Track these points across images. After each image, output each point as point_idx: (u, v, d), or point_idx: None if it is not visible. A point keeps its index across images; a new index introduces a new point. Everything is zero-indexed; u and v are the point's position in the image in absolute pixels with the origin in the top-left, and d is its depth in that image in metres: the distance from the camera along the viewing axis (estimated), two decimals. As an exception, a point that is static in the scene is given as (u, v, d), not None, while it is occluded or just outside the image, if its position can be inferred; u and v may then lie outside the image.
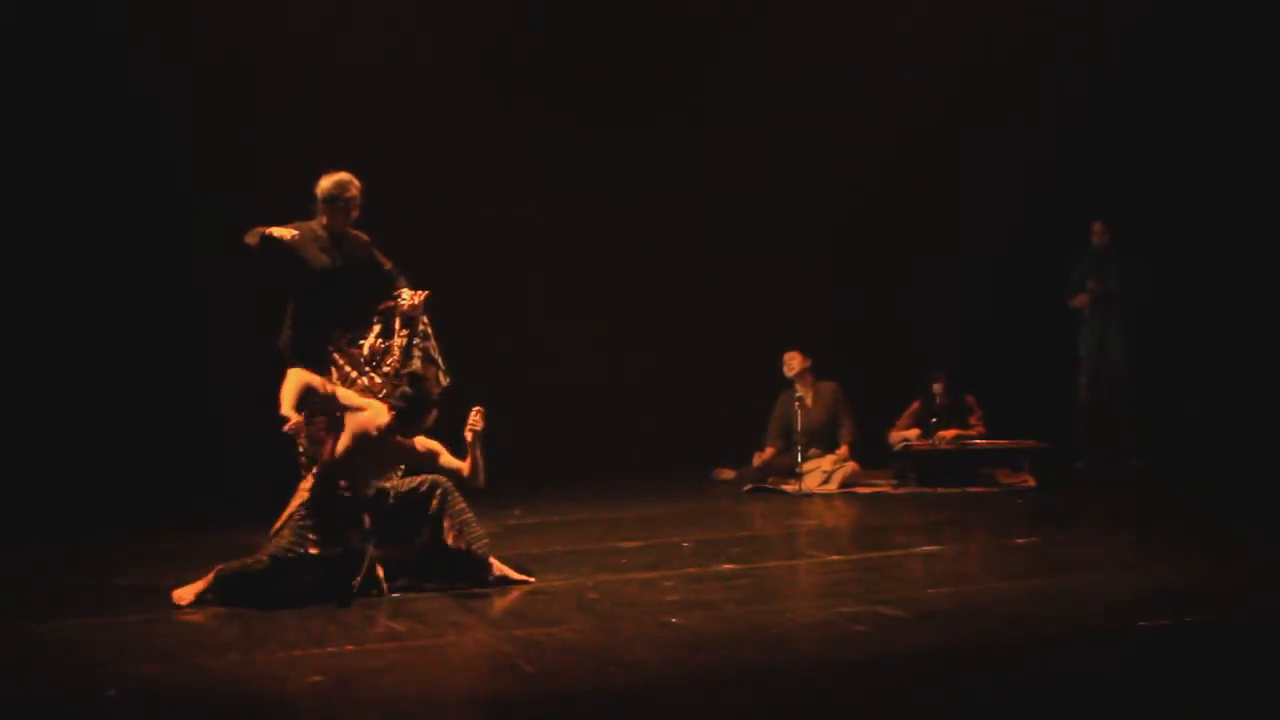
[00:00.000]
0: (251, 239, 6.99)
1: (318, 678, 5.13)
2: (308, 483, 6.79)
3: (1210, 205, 11.99)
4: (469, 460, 6.88)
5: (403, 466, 7.05)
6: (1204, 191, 12.02)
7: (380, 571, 6.69)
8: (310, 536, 6.59)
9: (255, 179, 10.03)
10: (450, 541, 6.80)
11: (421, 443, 6.91)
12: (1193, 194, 12.04)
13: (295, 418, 6.58)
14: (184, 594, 6.54)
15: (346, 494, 6.71)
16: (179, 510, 9.79)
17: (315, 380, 6.75)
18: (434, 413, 6.93)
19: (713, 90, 12.32)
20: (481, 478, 6.91)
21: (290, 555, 6.54)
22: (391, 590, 6.70)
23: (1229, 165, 11.96)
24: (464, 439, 6.86)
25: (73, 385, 10.72)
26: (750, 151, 12.49)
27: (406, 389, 6.84)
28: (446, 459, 6.95)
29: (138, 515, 9.69)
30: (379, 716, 4.70)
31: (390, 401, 6.84)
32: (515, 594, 6.73)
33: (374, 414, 6.80)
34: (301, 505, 6.70)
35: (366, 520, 6.71)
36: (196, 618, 6.30)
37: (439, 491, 6.86)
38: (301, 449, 7.00)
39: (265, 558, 6.56)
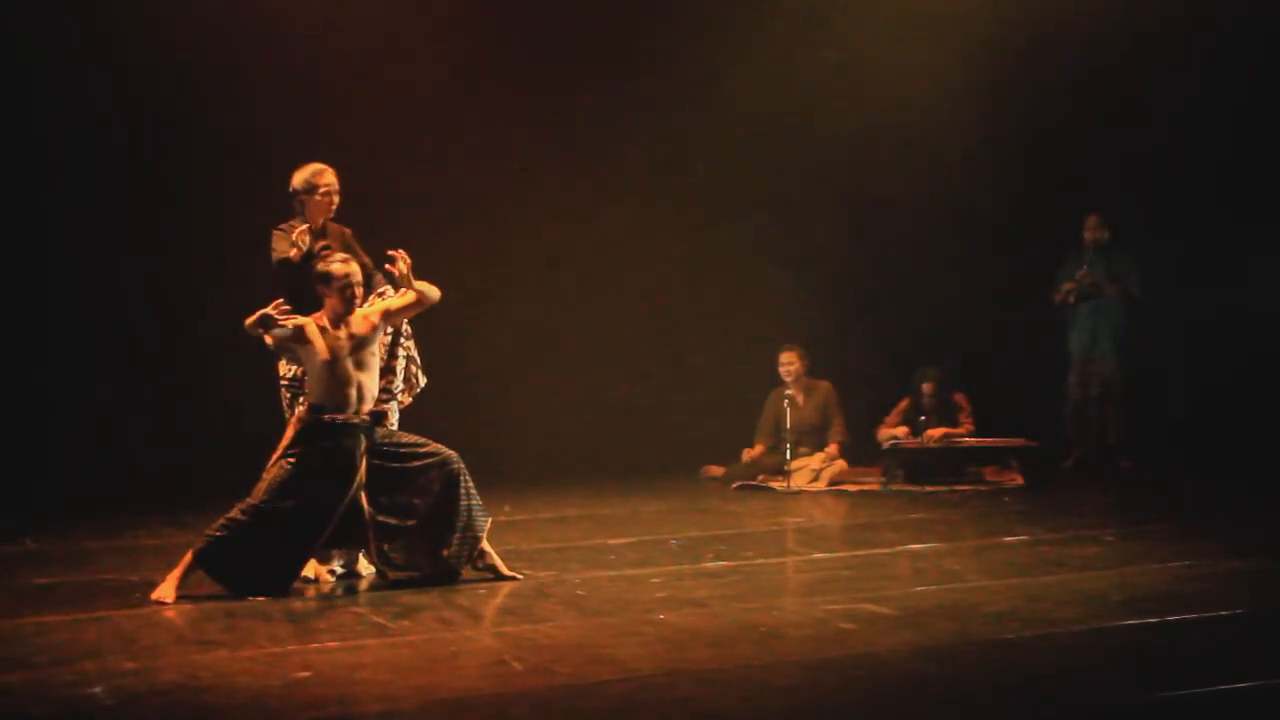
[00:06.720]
0: (295, 258, 7.02)
1: (305, 674, 5.12)
2: (290, 431, 6.74)
3: (1206, 203, 12.00)
4: (412, 289, 6.80)
5: (402, 432, 7.02)
6: (1199, 189, 12.03)
7: (386, 546, 6.69)
8: (293, 484, 6.53)
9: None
10: (452, 515, 6.76)
11: (371, 313, 6.84)
12: (1187, 191, 12.05)
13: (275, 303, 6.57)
14: (164, 591, 6.46)
15: (338, 419, 6.64)
16: (167, 504, 9.75)
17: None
18: (336, 266, 6.77)
19: (708, 86, 12.30)
20: (432, 289, 6.85)
21: (267, 507, 6.50)
22: (388, 567, 6.71)
23: (1224, 163, 11.97)
24: (394, 275, 6.80)
25: (61, 376, 10.69)
26: (749, 150, 12.48)
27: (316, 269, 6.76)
28: (395, 303, 6.90)
29: (126, 509, 9.65)
30: (366, 713, 4.69)
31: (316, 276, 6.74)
32: (503, 591, 6.72)
33: (314, 318, 6.72)
34: (285, 451, 6.64)
35: (362, 471, 6.67)
36: (183, 613, 6.27)
37: (454, 466, 6.82)
38: (284, 381, 7.06)
39: (240, 515, 6.50)
